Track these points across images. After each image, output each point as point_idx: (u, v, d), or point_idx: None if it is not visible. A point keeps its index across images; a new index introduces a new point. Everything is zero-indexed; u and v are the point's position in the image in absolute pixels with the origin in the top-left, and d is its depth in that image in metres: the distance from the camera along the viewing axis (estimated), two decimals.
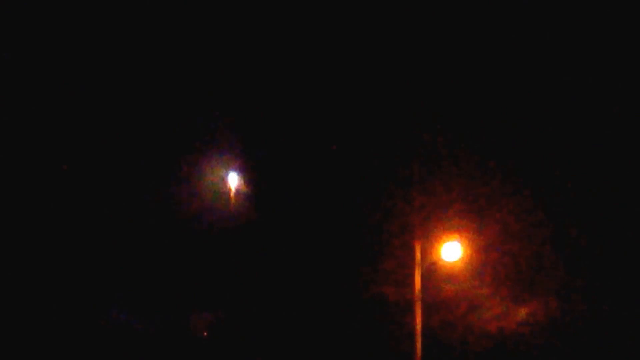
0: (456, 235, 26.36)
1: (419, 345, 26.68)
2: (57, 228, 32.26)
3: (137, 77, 32.90)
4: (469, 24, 29.10)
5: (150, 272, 33.15)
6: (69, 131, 32.46)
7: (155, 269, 33.21)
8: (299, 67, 31.85)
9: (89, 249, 32.38)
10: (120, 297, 32.66)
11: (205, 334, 32.83)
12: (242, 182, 34.21)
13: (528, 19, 28.63)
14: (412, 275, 27.04)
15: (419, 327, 26.75)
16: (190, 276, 33.90)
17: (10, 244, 31.50)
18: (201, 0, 32.86)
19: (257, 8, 31.95)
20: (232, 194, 34.21)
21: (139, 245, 33.09)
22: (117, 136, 32.89)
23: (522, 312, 28.39)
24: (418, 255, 27.09)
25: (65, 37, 32.35)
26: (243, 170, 34.21)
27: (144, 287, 33.12)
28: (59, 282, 31.93)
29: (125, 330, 32.32)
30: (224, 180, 34.31)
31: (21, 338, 30.29)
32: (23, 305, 31.12)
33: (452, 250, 26.06)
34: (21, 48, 31.68)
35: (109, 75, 32.71)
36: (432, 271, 27.08)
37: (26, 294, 31.31)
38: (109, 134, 32.70)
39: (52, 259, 31.90)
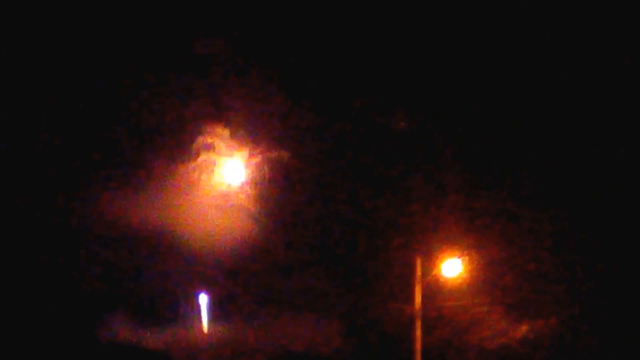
0: (457, 252, 26.43)
1: None
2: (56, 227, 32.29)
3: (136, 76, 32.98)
4: (467, 26, 28.96)
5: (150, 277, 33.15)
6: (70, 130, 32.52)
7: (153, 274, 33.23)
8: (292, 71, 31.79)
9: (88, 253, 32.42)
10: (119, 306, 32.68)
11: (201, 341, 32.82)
12: (241, 195, 34.16)
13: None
14: (413, 291, 27.05)
15: (419, 343, 26.72)
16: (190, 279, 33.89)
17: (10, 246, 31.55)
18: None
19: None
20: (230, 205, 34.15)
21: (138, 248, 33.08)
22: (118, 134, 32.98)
23: (523, 329, 28.27)
24: (418, 271, 27.09)
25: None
26: (239, 183, 34.16)
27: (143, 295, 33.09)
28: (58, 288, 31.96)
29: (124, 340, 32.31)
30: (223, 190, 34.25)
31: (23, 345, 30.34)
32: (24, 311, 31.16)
33: (452, 267, 26.11)
34: None
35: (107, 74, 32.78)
36: (432, 287, 27.06)
37: (26, 300, 31.34)
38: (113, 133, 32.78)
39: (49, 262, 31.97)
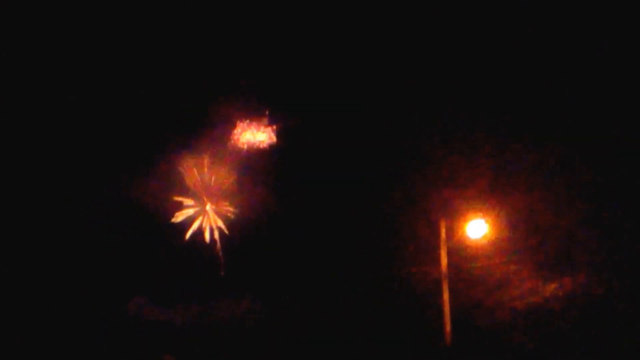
0: (481, 213, 26.24)
1: (447, 323, 26.65)
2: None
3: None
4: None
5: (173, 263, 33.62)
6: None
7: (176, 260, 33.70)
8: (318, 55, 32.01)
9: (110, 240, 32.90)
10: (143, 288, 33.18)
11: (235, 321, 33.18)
12: (273, 164, 34.42)
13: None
14: (438, 254, 27.00)
15: (447, 305, 26.70)
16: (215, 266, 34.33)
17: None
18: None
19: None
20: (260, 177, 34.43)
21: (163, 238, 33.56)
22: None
23: (552, 287, 28.13)
24: (443, 234, 27.00)
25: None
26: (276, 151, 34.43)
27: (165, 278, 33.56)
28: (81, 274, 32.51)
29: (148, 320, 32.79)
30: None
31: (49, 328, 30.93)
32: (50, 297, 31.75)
33: (477, 228, 25.90)
34: None
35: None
36: (458, 249, 27.01)
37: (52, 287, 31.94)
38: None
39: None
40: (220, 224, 34.92)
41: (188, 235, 34.81)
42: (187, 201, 35.14)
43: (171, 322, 32.95)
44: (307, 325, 31.34)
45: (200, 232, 34.95)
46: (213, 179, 34.97)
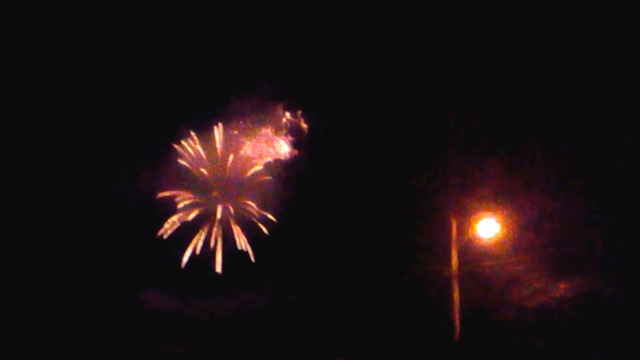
0: (492, 212, 26.32)
1: (457, 321, 26.78)
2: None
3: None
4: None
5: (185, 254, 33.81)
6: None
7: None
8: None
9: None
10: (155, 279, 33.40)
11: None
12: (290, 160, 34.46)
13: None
14: (449, 253, 27.12)
15: (457, 303, 26.82)
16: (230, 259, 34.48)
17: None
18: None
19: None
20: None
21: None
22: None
23: (562, 288, 28.21)
24: (454, 232, 27.12)
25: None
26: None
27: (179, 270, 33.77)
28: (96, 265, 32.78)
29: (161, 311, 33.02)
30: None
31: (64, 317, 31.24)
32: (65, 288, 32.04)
33: (488, 227, 25.98)
34: None
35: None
36: (468, 248, 27.09)
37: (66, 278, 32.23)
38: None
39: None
40: (237, 231, 33.48)
41: (186, 256, 33.58)
42: (184, 196, 33.58)
43: (182, 314, 32.97)
44: (317, 320, 31.53)
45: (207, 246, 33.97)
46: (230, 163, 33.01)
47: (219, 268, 34.31)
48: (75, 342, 30.32)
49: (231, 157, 33.45)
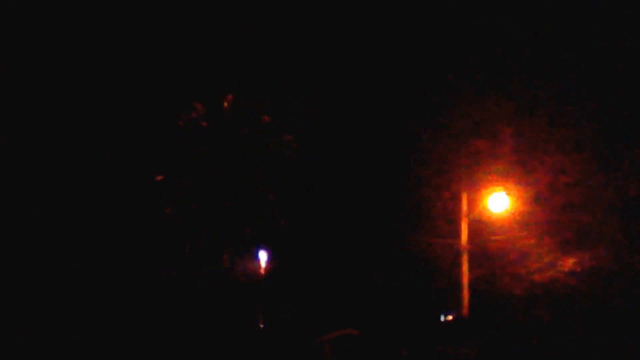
0: (503, 186, 26.20)
1: (465, 295, 26.83)
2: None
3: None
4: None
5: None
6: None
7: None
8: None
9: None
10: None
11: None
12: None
13: None
14: (459, 226, 27.11)
15: (465, 277, 26.87)
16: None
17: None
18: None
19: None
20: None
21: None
22: None
23: (571, 261, 28.13)
24: (464, 206, 27.10)
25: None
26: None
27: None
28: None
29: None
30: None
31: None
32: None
33: (499, 201, 25.88)
34: None
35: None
36: (478, 222, 27.05)
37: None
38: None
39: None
40: None
41: None
42: None
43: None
44: (325, 290, 31.63)
45: None
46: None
47: None
48: None
49: None
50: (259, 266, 33.93)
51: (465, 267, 26.88)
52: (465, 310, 27.10)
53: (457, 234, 27.17)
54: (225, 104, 33.97)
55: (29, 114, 32.58)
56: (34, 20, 32.96)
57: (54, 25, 33.15)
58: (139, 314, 31.63)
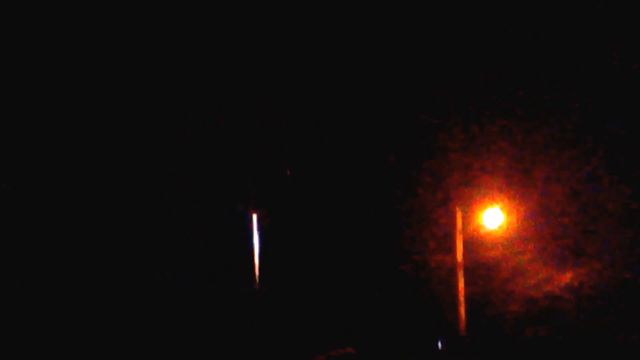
0: (497, 202, 26.27)
1: (462, 313, 26.75)
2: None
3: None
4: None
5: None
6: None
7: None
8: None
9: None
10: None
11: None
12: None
13: None
14: (454, 243, 27.07)
15: (461, 294, 26.81)
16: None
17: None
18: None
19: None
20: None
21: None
22: None
23: (567, 278, 28.08)
24: (459, 222, 27.07)
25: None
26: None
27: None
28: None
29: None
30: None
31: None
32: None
33: (493, 217, 25.98)
34: None
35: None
36: (474, 238, 27.04)
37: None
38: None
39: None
40: None
41: None
42: None
43: None
44: (320, 310, 31.49)
45: None
46: None
47: None
48: None
49: None
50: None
51: (461, 283, 26.84)
52: (462, 326, 27.01)
53: (452, 250, 27.14)
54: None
55: (29, 114, 32.64)
56: (34, 20, 33.04)
57: (54, 25, 33.18)
58: (144, 314, 31.66)
